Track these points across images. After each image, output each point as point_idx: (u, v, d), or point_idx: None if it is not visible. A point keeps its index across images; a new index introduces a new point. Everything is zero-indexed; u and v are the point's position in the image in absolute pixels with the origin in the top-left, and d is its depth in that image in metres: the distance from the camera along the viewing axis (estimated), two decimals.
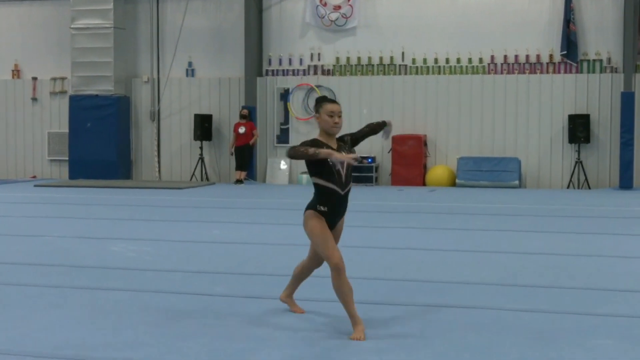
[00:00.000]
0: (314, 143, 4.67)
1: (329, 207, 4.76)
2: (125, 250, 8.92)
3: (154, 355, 4.74)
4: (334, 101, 4.90)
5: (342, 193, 4.81)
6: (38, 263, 7.88)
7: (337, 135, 4.83)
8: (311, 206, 4.84)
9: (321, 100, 4.86)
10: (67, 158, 18.76)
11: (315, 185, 4.80)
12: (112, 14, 18.22)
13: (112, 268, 7.69)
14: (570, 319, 5.59)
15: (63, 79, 19.09)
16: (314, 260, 5.12)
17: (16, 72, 19.60)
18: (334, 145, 4.71)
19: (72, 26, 18.21)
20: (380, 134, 5.25)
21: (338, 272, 4.61)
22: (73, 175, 18.26)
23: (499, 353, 4.69)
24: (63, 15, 18.73)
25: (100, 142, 18.43)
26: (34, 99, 19.39)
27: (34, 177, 19.09)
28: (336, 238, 4.92)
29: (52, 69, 19.30)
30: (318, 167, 4.72)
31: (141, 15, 19.27)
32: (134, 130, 19.46)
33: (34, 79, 19.33)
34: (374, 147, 17.87)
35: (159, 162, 19.13)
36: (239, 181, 17.90)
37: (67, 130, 18.72)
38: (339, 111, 4.71)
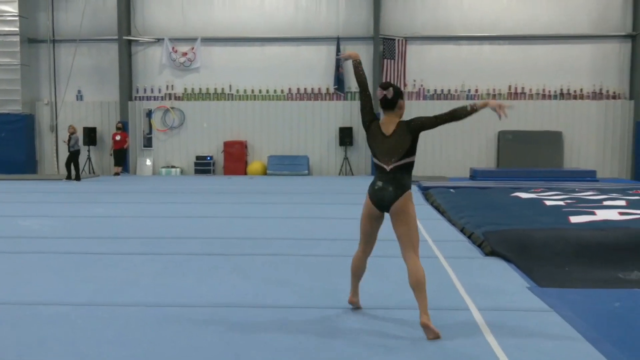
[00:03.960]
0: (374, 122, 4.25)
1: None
2: (31, 224, 9.09)
3: (83, 299, 5.41)
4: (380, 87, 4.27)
5: None
6: None
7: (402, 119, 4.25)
8: (410, 186, 4.29)
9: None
10: None
11: (411, 164, 4.24)
12: (19, 55, 19.77)
13: (22, 237, 7.91)
14: (336, 260, 6.41)
15: None
16: (370, 249, 4.60)
17: None
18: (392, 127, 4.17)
19: None
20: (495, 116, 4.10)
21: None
22: None
23: (295, 283, 5.56)
24: None
25: (12, 147, 19.69)
26: None
27: None
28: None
29: None
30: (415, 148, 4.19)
31: (42, 56, 20.46)
32: (38, 139, 20.56)
33: None
34: (212, 148, 20.27)
35: (57, 161, 20.21)
36: (117, 174, 19.46)
37: None
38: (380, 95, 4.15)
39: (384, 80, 19.55)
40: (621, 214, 9.20)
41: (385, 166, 4.25)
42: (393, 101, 4.26)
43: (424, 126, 4.21)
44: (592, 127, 19.88)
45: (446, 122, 4.16)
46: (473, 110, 4.05)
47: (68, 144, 17.42)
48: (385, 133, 4.25)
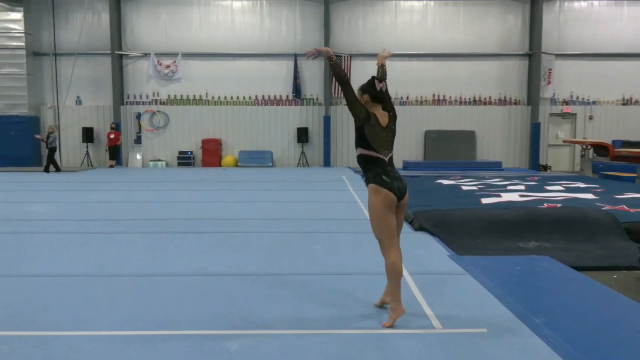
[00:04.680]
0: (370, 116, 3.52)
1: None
2: (36, 209, 8.93)
3: (71, 268, 5.32)
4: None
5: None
6: None
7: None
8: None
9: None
10: None
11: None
12: (25, 66, 18.83)
13: (29, 220, 7.77)
14: (295, 235, 6.49)
15: None
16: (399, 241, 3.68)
17: None
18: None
19: None
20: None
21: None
22: (1, 165, 18.57)
23: (261, 255, 5.44)
24: None
25: (20, 144, 18.95)
26: None
27: None
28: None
29: None
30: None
31: (45, 67, 19.63)
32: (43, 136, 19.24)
33: None
34: (192, 145, 19.81)
35: (60, 155, 19.24)
36: (111, 166, 18.69)
37: None
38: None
39: (332, 90, 19.32)
40: (521, 196, 9.43)
41: (384, 157, 3.57)
42: (385, 94, 3.64)
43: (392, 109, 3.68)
44: (498, 127, 20.26)
45: (340, 84, 3.48)
46: (332, 64, 3.48)
47: (47, 142, 16.80)
48: (382, 124, 3.58)
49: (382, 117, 3.63)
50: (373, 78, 3.66)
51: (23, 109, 19.15)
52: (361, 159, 3.63)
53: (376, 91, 3.59)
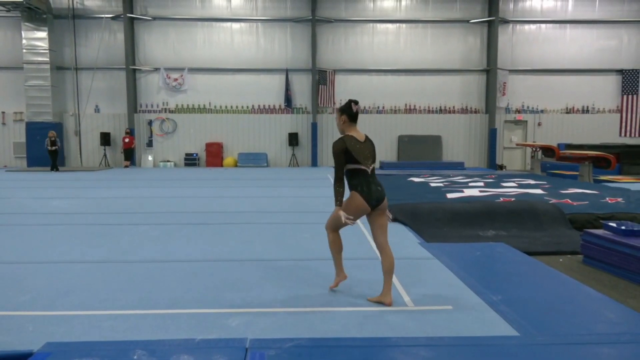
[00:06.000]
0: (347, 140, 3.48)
1: None
2: (60, 203, 8.80)
3: (69, 256, 5.30)
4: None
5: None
6: (4, 212, 7.68)
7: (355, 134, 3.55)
8: None
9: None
10: (25, 155, 18.69)
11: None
12: (50, 79, 18.33)
13: (53, 213, 7.67)
14: (288, 226, 6.36)
15: (21, 112, 19.00)
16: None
17: None
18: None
19: (25, 84, 18.27)
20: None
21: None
22: (29, 165, 18.34)
23: (259, 243, 5.43)
24: (20, 78, 18.56)
25: (44, 146, 17.91)
26: (3, 124, 19.20)
27: (5, 166, 18.97)
28: None
29: (14, 107, 19.10)
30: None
31: (67, 79, 19.14)
32: (65, 141, 19.21)
33: (3, 112, 19.16)
34: (197, 148, 19.38)
35: (80, 156, 19.23)
36: (126, 166, 18.38)
37: (24, 140, 18.64)
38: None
39: (318, 101, 19.09)
40: (481, 191, 9.45)
41: (367, 168, 3.50)
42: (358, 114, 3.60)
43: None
44: (461, 132, 20.24)
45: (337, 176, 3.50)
46: (336, 198, 3.47)
47: (52, 145, 16.50)
48: (360, 140, 3.52)
49: (358, 133, 3.58)
50: (350, 101, 3.63)
51: (48, 116, 18.74)
52: (348, 173, 3.55)
53: (352, 112, 3.56)
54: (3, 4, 17.22)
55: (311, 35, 19.14)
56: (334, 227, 3.73)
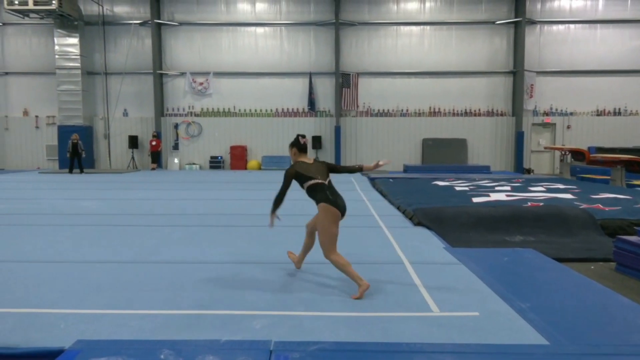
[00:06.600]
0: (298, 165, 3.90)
1: None
2: (89, 204, 8.90)
3: (81, 255, 5.41)
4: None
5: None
6: (37, 213, 7.79)
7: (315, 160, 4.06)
8: None
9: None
10: (57, 158, 19.15)
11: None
12: (81, 83, 18.77)
13: (82, 214, 7.79)
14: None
15: (53, 116, 19.46)
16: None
17: (26, 113, 19.78)
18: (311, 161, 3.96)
19: (58, 89, 18.76)
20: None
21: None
22: (61, 167, 18.70)
23: (287, 245, 5.54)
24: (53, 82, 19.06)
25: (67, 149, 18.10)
26: (37, 127, 19.75)
27: (38, 168, 19.52)
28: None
29: (46, 111, 19.61)
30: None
31: (97, 84, 19.60)
32: (95, 143, 19.70)
33: (36, 116, 19.68)
34: (221, 151, 19.61)
35: (109, 159, 19.67)
36: (153, 169, 18.78)
37: (56, 143, 19.09)
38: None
39: (342, 104, 19.15)
40: (507, 196, 9.37)
41: (323, 181, 3.86)
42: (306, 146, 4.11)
43: (334, 168, 4.08)
44: (486, 136, 19.96)
45: (344, 173, 4.08)
46: (360, 169, 4.09)
47: (77, 149, 16.76)
48: (308, 162, 3.97)
49: (307, 159, 3.99)
50: (297, 135, 4.13)
51: (79, 120, 19.19)
52: (309, 191, 3.89)
53: (300, 144, 4.05)
54: (37, 12, 17.79)
55: (334, 38, 19.15)
56: (331, 246, 3.83)
